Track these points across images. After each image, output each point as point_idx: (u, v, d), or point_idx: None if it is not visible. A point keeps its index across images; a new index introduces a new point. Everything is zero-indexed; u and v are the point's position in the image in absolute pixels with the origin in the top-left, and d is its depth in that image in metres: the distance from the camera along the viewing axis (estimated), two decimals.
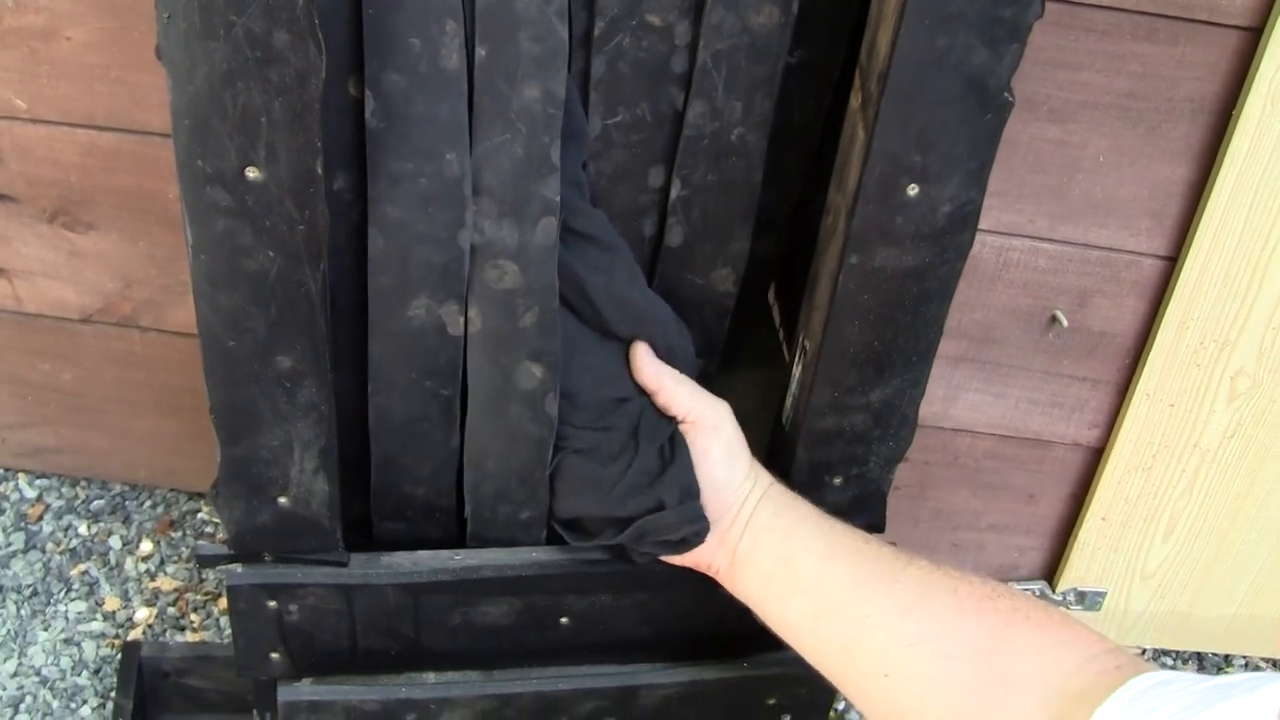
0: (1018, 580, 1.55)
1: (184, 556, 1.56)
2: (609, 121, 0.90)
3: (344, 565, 0.97)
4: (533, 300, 0.90)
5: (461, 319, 0.90)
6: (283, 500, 0.93)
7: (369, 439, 0.96)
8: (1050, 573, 1.55)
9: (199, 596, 1.52)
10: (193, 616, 1.50)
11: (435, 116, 0.83)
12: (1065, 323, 1.33)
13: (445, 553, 0.99)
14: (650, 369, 0.96)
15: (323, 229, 0.80)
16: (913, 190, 0.85)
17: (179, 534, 1.58)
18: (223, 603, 1.49)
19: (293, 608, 0.98)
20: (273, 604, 0.97)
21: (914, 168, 0.84)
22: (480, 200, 0.86)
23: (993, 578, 0.87)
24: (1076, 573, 1.51)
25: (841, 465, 1.00)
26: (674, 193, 0.94)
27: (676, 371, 0.97)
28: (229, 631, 1.42)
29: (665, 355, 0.97)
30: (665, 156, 0.93)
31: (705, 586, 0.97)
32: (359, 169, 0.85)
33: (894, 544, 0.92)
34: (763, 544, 0.93)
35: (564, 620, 1.02)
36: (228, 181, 0.78)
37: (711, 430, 0.95)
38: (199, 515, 1.61)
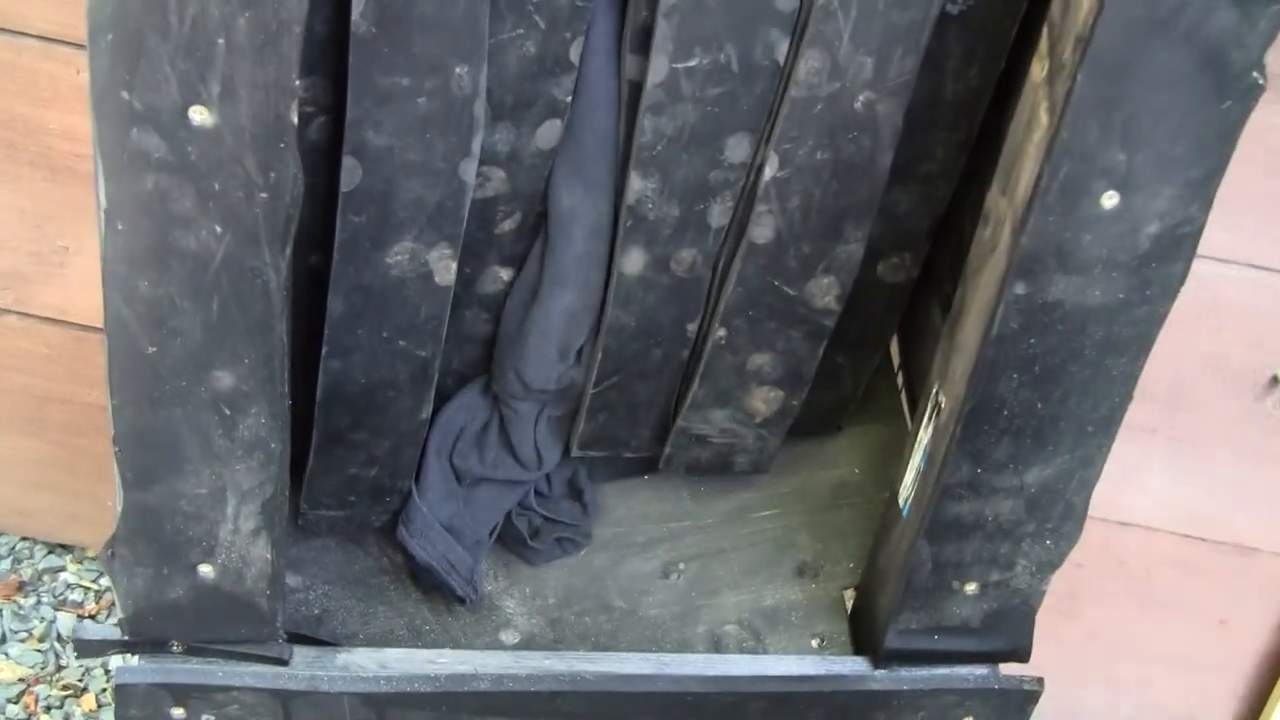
0: None
1: (35, 633, 1.57)
2: (679, 65, 0.93)
3: (284, 663, 0.99)
4: (515, 206, 1.00)
5: (453, 265, 0.97)
6: (205, 569, 0.94)
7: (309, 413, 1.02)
8: None
9: (55, 691, 1.53)
10: (44, 719, 1.51)
11: (446, 18, 0.86)
12: None
13: (425, 653, 1.01)
14: None
15: (293, 199, 0.82)
16: (1110, 200, 0.86)
17: (31, 601, 1.60)
18: (87, 701, 1.51)
19: (207, 719, 0.99)
20: (179, 712, 0.99)
21: (1115, 169, 0.85)
22: None
23: None
24: None
25: (978, 568, 1.01)
26: (768, 172, 0.96)
27: None
28: None
29: None
30: (751, 122, 0.95)
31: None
32: (326, 74, 0.89)
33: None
34: None
35: None
36: (164, 124, 0.79)
37: None
38: (62, 575, 1.62)
